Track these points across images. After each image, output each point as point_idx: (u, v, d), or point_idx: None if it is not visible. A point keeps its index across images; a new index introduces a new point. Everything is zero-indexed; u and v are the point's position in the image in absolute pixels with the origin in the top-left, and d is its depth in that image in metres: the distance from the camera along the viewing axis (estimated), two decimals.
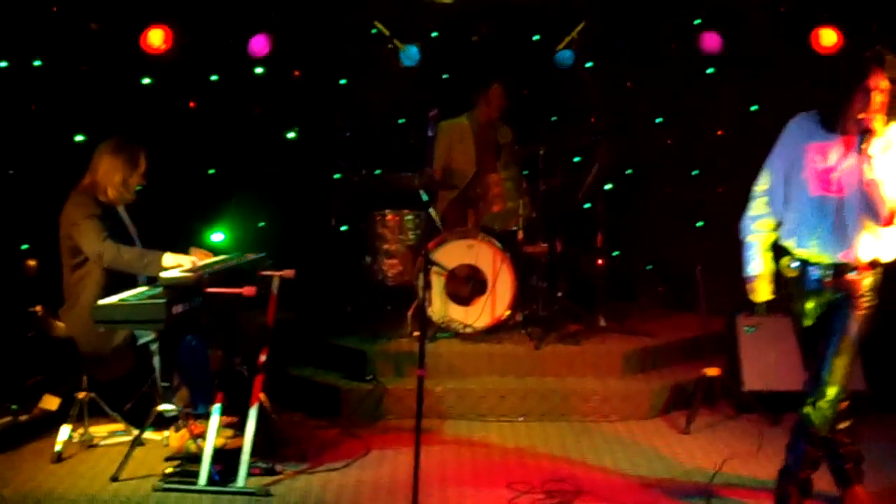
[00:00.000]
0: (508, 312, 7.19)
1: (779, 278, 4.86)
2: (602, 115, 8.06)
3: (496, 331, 7.17)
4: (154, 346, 5.56)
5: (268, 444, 5.67)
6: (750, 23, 7.67)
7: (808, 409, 4.69)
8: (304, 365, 7.06)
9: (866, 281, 4.62)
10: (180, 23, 7.27)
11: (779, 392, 6.45)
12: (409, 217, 7.52)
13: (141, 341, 5.62)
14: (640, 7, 8.10)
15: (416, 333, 7.17)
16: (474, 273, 7.19)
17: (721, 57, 7.97)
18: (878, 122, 4.46)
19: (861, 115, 4.47)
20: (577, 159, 8.16)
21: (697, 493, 5.22)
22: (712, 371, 6.48)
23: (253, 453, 5.27)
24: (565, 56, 8.22)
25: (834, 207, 4.58)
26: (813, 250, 4.65)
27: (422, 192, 7.27)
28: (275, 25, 7.82)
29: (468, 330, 7.12)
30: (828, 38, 6.98)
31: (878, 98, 4.44)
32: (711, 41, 7.44)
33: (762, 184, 4.86)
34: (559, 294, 7.51)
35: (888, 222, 4.53)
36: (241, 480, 5.16)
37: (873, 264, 4.63)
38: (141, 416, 5.92)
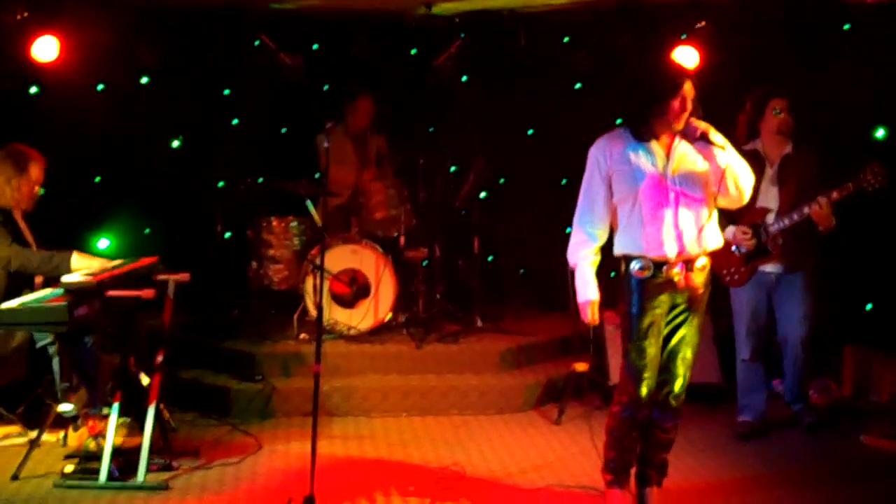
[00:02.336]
0: (391, 314, 7.53)
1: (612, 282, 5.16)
2: (477, 126, 8.43)
3: (379, 332, 7.49)
4: (52, 349, 5.70)
5: (163, 442, 5.89)
6: (613, 41, 8.16)
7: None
8: (194, 367, 7.24)
9: (705, 274, 5.00)
10: (67, 32, 7.36)
11: None
12: (294, 223, 7.79)
13: (39, 344, 5.76)
14: (513, 25, 8.53)
15: (302, 336, 7.46)
16: (358, 277, 7.51)
17: (589, 73, 8.45)
18: (702, 123, 4.91)
19: (683, 119, 4.85)
20: (453, 169, 8.53)
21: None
22: (581, 366, 6.96)
23: (149, 451, 5.49)
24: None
25: (667, 208, 4.88)
26: (655, 251, 4.90)
27: (307, 199, 7.63)
28: (160, 36, 7.98)
29: (352, 331, 7.42)
30: (687, 56, 7.49)
31: (690, 106, 4.85)
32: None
33: (585, 212, 5.05)
34: (438, 296, 7.88)
35: (738, 200, 5.00)
36: (140, 476, 5.38)
37: (707, 256, 4.98)
38: (34, 418, 6.09)
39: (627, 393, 4.97)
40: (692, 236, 4.90)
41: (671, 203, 4.88)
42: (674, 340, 4.99)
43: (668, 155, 4.92)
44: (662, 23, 7.81)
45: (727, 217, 5.75)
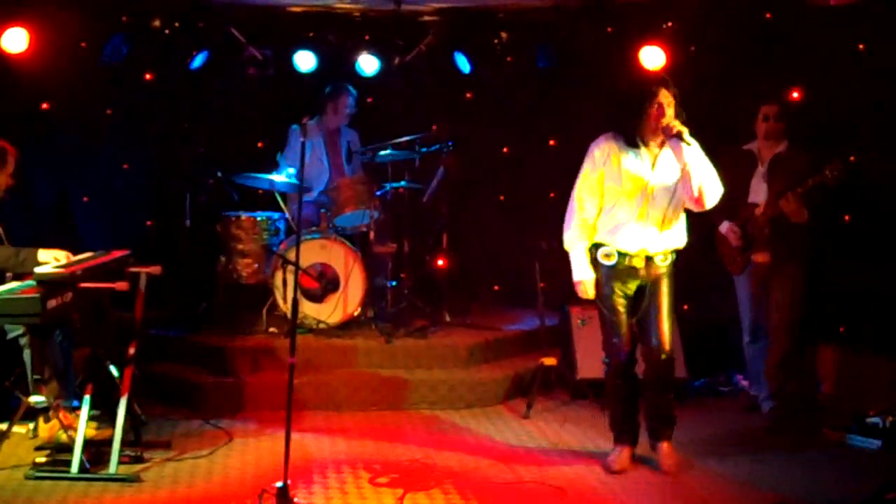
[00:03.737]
0: (360, 309, 7.58)
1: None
2: (445, 123, 8.48)
3: (348, 326, 7.54)
4: (24, 340, 5.69)
5: (134, 435, 5.91)
6: (580, 41, 8.25)
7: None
8: (164, 360, 7.26)
9: (668, 265, 5.65)
10: (35, 24, 7.33)
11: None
12: (263, 218, 7.81)
13: (10, 335, 5.75)
14: (480, 22, 8.60)
15: (271, 329, 7.49)
16: (327, 271, 7.54)
17: (554, 72, 8.54)
18: (679, 124, 5.40)
19: (663, 124, 5.40)
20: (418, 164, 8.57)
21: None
22: (549, 360, 7.04)
23: (121, 443, 5.49)
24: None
25: (642, 210, 5.55)
26: (622, 243, 5.60)
27: (276, 193, 7.66)
28: (129, 28, 7.96)
29: (322, 326, 7.46)
30: (653, 56, 7.60)
31: (669, 111, 5.43)
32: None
33: (579, 201, 5.70)
34: (406, 292, 7.94)
35: (699, 202, 5.49)
36: (112, 467, 5.39)
37: (673, 252, 5.66)
38: (2, 410, 6.06)
39: (612, 359, 5.76)
40: (657, 236, 5.59)
41: (647, 206, 5.54)
42: (644, 308, 5.65)
43: (653, 163, 5.55)
44: (630, 22, 7.91)
45: (725, 213, 6.48)
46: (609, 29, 8.16)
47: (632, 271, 5.62)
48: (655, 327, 5.65)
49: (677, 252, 5.72)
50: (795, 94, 7.20)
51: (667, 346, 5.67)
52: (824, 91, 7.07)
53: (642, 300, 5.66)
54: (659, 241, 5.59)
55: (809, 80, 7.18)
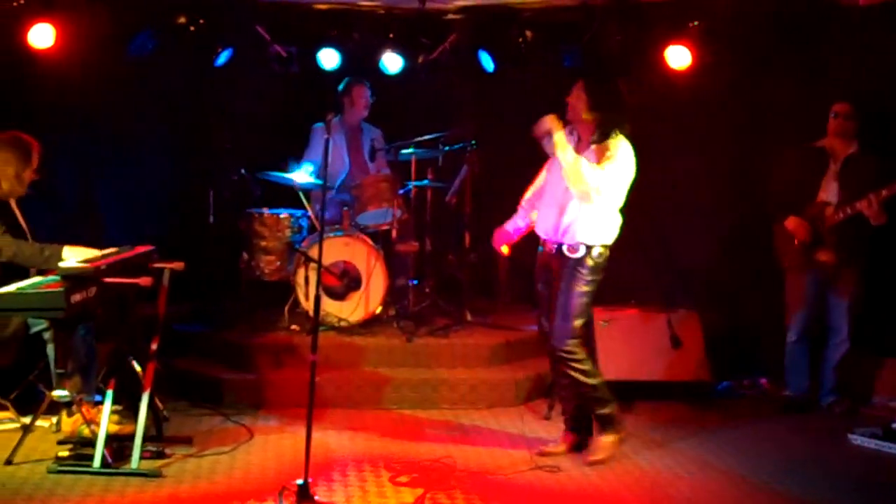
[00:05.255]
0: (381, 307, 7.57)
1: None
2: (470, 122, 8.47)
3: (370, 325, 7.53)
4: (48, 335, 5.71)
5: (156, 430, 5.92)
6: (607, 40, 8.20)
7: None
8: (187, 357, 7.28)
9: (577, 258, 5.69)
10: (62, 20, 7.36)
11: (630, 381, 7.05)
12: (286, 215, 7.82)
13: (34, 330, 5.77)
14: (505, 21, 8.57)
15: (293, 327, 7.49)
16: (349, 269, 7.54)
17: (579, 72, 8.48)
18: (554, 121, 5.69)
19: (577, 119, 5.73)
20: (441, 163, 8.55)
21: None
22: None
23: (143, 438, 5.51)
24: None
25: (556, 198, 5.75)
26: (540, 228, 5.91)
27: (300, 191, 7.66)
28: (154, 24, 7.98)
29: (343, 324, 7.46)
30: (679, 56, 7.57)
31: (575, 105, 5.71)
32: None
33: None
34: (428, 290, 7.92)
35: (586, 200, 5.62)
36: (134, 462, 5.39)
37: (585, 246, 5.69)
38: (27, 404, 6.10)
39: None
40: (563, 226, 5.68)
41: (562, 195, 5.68)
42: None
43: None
44: (656, 21, 7.86)
45: (787, 208, 6.70)
46: (635, 28, 8.11)
47: (546, 258, 5.83)
48: (554, 321, 5.76)
49: (595, 248, 5.69)
50: None
51: (554, 342, 5.77)
52: (863, 89, 7.01)
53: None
54: (564, 232, 5.68)
55: (842, 80, 7.12)
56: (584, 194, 5.58)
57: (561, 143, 5.61)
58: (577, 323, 5.71)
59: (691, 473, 5.76)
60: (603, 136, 5.64)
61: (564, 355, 5.74)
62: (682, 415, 6.93)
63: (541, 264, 5.91)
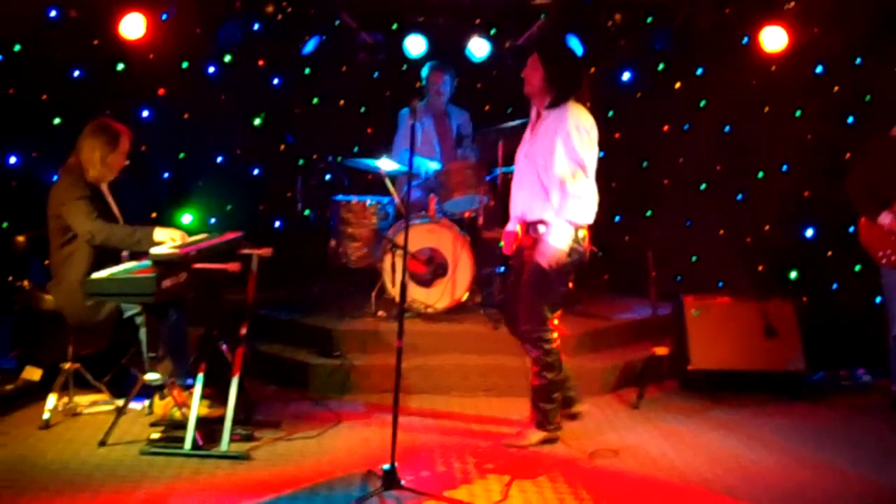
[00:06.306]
0: (467, 294, 7.53)
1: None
2: None
3: (456, 312, 7.49)
4: (140, 319, 5.80)
5: (245, 414, 5.98)
6: (698, 22, 8.05)
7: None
8: (275, 342, 7.32)
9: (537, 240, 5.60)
10: (152, 10, 7.48)
11: (722, 370, 6.92)
12: (373, 203, 7.83)
13: (126, 314, 5.87)
14: (593, 4, 8.45)
15: (380, 313, 7.50)
16: (435, 256, 7.51)
17: (671, 54, 8.35)
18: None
19: (533, 94, 5.70)
20: None
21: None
22: (661, 350, 6.91)
23: (232, 421, 5.56)
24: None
25: (519, 175, 5.77)
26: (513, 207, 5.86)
27: (386, 178, 7.66)
28: (242, 14, 8.06)
29: (429, 310, 7.43)
30: (775, 38, 7.38)
31: (529, 78, 5.65)
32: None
33: None
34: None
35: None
36: (224, 445, 5.45)
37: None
38: (120, 387, 6.22)
39: None
40: (526, 205, 5.65)
41: (524, 172, 5.69)
42: None
43: (532, 128, 5.73)
44: (749, 2, 7.69)
45: (875, 203, 6.40)
46: (727, 10, 7.94)
47: (518, 240, 5.80)
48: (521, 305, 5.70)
49: (545, 226, 5.59)
50: None
51: (525, 334, 5.77)
52: None
53: None
54: (528, 210, 5.63)
55: None
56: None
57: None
58: (547, 306, 5.71)
59: (784, 464, 5.62)
60: (556, 102, 5.60)
61: (523, 340, 5.78)
62: (775, 405, 6.76)
63: (516, 248, 5.86)
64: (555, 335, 5.80)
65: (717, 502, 5.08)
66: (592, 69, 8.13)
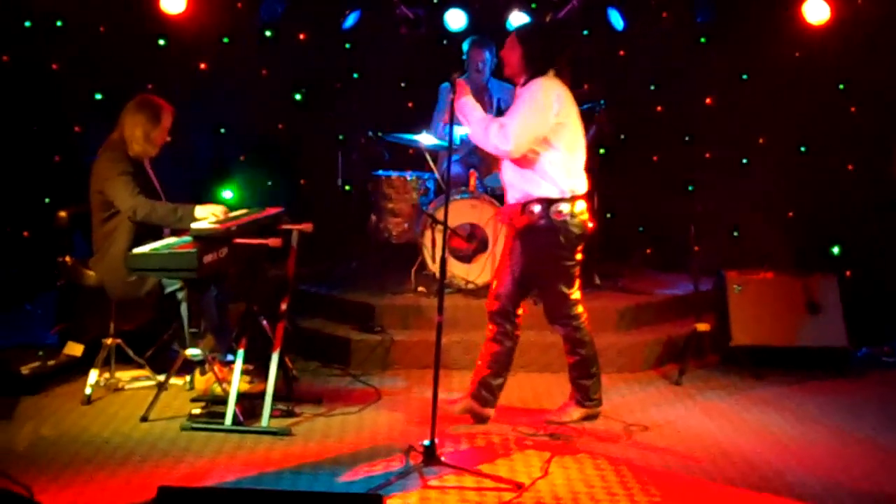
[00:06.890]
0: None
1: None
2: (599, 81, 8.30)
3: None
4: (181, 295, 5.84)
5: (286, 389, 6.01)
6: None
7: None
8: (316, 317, 7.35)
9: (524, 217, 5.55)
10: None
11: (764, 346, 6.86)
12: (413, 178, 7.81)
13: (168, 290, 5.91)
14: None
15: (420, 289, 7.49)
16: (476, 232, 7.48)
17: (713, 26, 8.24)
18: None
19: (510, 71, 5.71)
20: None
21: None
22: (703, 326, 6.83)
23: (273, 397, 5.60)
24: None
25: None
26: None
27: (426, 153, 7.62)
28: None
29: (470, 286, 7.41)
30: (817, 9, 7.25)
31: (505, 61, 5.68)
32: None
33: None
34: None
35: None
36: (264, 420, 5.49)
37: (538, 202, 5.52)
38: (161, 362, 6.27)
39: None
40: (511, 179, 5.60)
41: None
42: None
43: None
44: None
45: None
46: None
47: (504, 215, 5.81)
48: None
49: (539, 205, 5.51)
50: None
51: (543, 307, 5.84)
52: None
53: None
54: (521, 191, 5.57)
55: None
56: (503, 154, 5.53)
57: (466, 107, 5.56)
58: (562, 284, 5.69)
59: (826, 441, 5.57)
60: (530, 79, 5.53)
61: (554, 317, 5.83)
62: (817, 382, 6.69)
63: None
64: (580, 309, 5.76)
65: (760, 479, 5.02)
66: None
